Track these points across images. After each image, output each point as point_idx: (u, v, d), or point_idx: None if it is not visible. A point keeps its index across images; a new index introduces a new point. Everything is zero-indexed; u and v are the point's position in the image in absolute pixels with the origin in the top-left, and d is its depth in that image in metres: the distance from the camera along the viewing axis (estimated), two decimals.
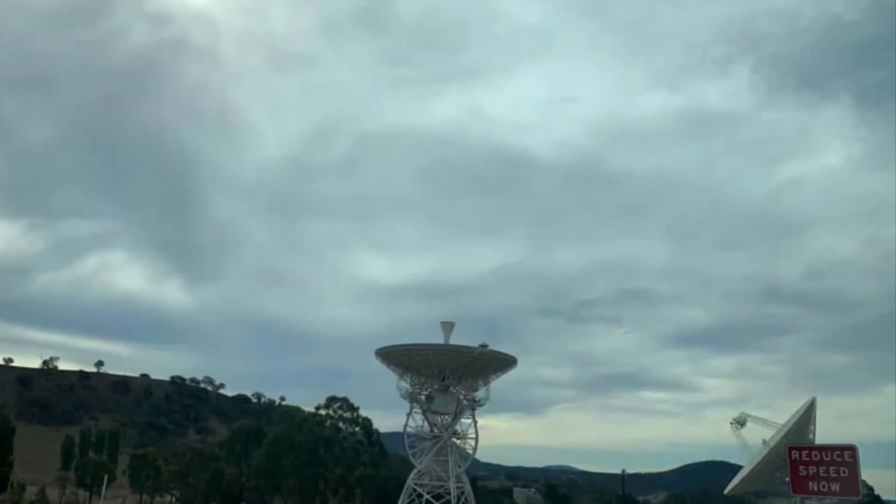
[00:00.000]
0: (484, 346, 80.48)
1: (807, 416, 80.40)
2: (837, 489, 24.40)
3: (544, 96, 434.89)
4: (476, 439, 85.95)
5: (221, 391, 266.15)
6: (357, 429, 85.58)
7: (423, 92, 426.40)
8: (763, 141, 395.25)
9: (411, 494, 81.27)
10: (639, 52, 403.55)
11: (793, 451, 25.66)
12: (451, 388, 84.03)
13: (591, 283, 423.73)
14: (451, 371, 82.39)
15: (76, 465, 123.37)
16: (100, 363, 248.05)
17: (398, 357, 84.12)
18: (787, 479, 26.63)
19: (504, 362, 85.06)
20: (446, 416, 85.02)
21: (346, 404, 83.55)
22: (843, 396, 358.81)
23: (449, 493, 79.26)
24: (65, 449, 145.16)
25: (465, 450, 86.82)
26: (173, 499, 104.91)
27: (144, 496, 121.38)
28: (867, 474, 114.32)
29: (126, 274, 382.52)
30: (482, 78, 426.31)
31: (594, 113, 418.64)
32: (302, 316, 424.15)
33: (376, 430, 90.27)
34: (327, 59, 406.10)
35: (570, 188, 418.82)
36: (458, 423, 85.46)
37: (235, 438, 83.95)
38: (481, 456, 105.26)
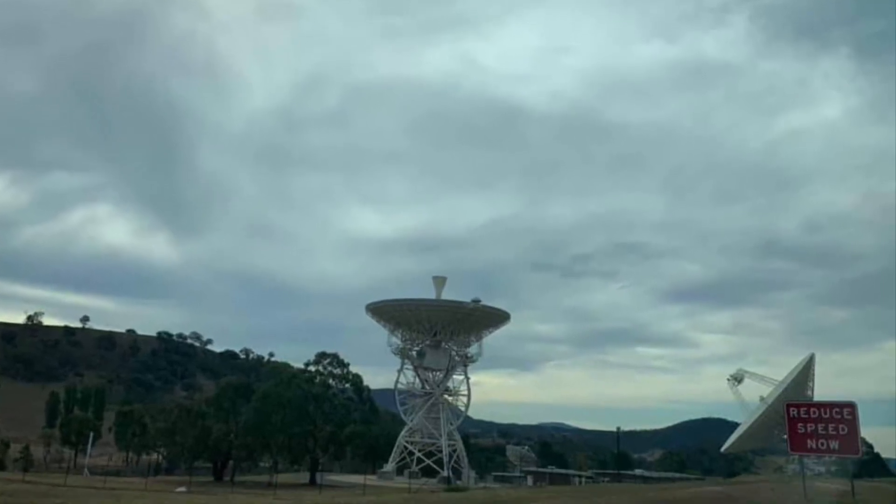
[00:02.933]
0: (476, 301, 78.84)
1: (805, 372, 79.77)
2: (836, 447, 23.63)
3: (538, 46, 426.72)
4: (468, 396, 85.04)
5: (209, 347, 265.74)
6: (347, 385, 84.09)
7: (415, 42, 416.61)
8: (761, 92, 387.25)
9: (402, 452, 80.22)
10: (634, 1, 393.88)
11: (791, 408, 24.64)
12: (443, 344, 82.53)
13: (586, 237, 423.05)
14: (443, 327, 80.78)
15: (61, 423, 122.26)
16: (85, 319, 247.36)
17: (389, 312, 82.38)
18: (785, 436, 25.32)
19: (497, 318, 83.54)
20: (438, 373, 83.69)
21: (336, 360, 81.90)
22: (842, 352, 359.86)
23: (440, 451, 78.19)
24: (50, 406, 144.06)
25: (456, 407, 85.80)
26: (160, 456, 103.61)
27: (131, 453, 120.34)
28: (866, 432, 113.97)
29: (112, 228, 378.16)
30: (475, 28, 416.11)
31: (589, 63, 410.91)
32: (291, 270, 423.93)
33: (367, 387, 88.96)
34: (317, 7, 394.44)
35: (564, 140, 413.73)
36: (450, 380, 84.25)
37: (223, 395, 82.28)
38: (473, 413, 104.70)
